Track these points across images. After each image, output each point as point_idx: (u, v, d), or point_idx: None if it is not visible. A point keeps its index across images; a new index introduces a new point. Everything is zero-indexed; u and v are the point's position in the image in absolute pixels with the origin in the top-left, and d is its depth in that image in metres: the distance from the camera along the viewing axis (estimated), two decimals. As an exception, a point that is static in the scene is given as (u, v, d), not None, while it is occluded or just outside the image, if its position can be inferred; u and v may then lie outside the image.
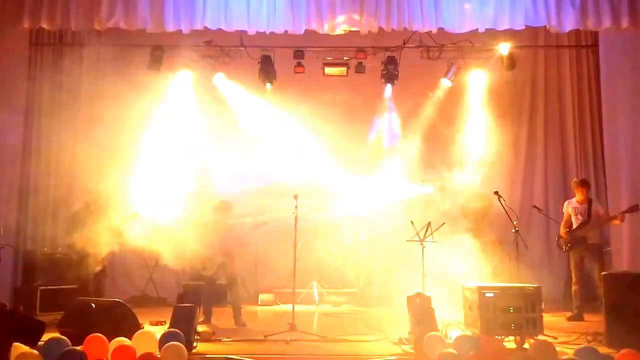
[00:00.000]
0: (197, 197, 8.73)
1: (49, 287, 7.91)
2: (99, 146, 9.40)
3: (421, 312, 5.86)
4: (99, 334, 5.31)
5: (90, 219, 7.64)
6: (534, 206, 8.75)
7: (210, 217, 7.72)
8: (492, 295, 6.07)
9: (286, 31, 7.77)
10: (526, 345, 5.67)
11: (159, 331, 5.97)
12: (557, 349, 5.28)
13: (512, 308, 5.91)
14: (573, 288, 7.72)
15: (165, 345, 5.12)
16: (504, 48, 9.13)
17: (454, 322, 6.58)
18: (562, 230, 7.88)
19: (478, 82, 9.73)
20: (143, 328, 6.08)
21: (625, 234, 8.28)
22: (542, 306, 6.05)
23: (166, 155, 9.34)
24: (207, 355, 5.51)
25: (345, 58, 9.44)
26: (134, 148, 9.11)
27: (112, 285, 7.97)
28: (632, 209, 7.19)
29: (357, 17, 7.61)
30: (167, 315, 6.28)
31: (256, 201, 9.28)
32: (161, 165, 9.17)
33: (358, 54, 9.34)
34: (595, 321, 6.94)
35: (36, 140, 9.58)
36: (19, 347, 4.94)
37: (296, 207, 6.91)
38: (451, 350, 5.13)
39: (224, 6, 7.63)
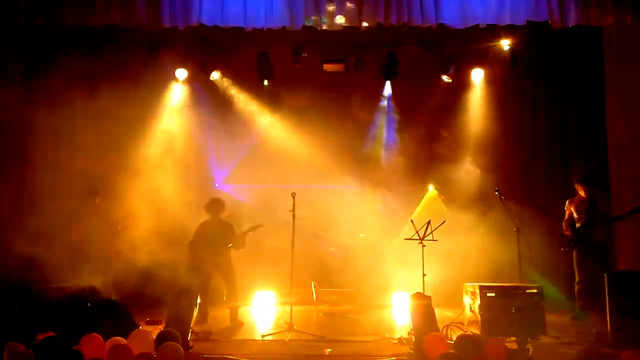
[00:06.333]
0: (193, 195, 8.63)
1: (45, 285, 7.82)
2: (96, 145, 9.35)
3: (421, 312, 5.78)
4: (95, 334, 5.30)
5: (87, 217, 7.62)
6: (536, 205, 8.65)
7: (205, 217, 7.64)
8: (493, 295, 6.01)
9: (284, 27, 7.70)
10: (528, 346, 5.58)
11: (155, 331, 5.91)
12: (560, 349, 5.22)
13: (514, 308, 5.85)
14: (576, 287, 7.63)
15: (162, 345, 5.07)
16: (506, 44, 9.04)
17: (454, 322, 6.51)
18: (565, 229, 7.78)
19: (478, 78, 9.65)
20: (139, 327, 6.05)
21: (629, 233, 8.20)
22: (545, 306, 5.99)
23: (162, 153, 9.25)
24: (203, 355, 5.45)
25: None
26: (130, 146, 9.04)
27: (107, 284, 7.88)
28: (638, 210, 7.06)
29: (355, 12, 7.55)
30: (163, 314, 6.23)
31: (254, 199, 9.21)
32: (157, 164, 9.08)
33: (357, 50, 9.24)
34: (598, 321, 6.85)
35: (33, 138, 9.48)
36: (13, 347, 4.89)
37: (294, 205, 6.85)
38: (452, 351, 5.05)
39: (221, 2, 7.57)
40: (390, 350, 5.72)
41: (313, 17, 7.65)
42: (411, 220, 7.38)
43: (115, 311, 6.09)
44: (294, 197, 6.88)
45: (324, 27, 7.69)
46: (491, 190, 8.10)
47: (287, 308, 6.82)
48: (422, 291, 6.68)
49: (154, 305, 7.73)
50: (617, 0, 7.31)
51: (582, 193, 7.69)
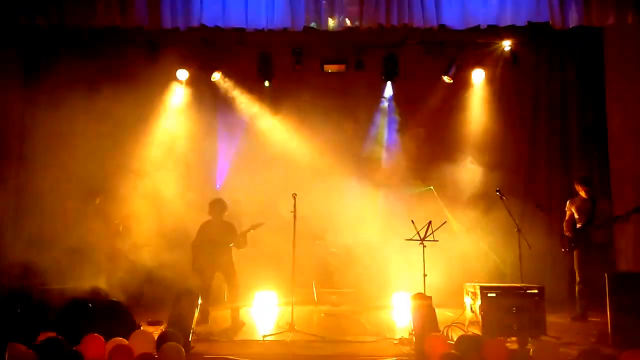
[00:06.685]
0: (194, 196, 8.64)
1: (48, 287, 7.83)
2: (96, 146, 9.36)
3: (422, 312, 5.78)
4: (96, 334, 5.30)
5: (88, 218, 7.63)
6: (537, 205, 8.65)
7: (207, 217, 7.65)
8: (494, 295, 6.00)
9: (285, 28, 7.70)
10: (529, 346, 5.59)
11: (156, 331, 5.91)
12: (561, 349, 5.22)
13: (515, 308, 5.84)
14: (577, 288, 7.62)
15: (163, 345, 5.07)
16: (507, 44, 9.04)
17: (455, 322, 6.51)
18: (566, 229, 7.78)
19: (479, 79, 9.65)
20: (140, 328, 6.04)
21: (630, 233, 8.19)
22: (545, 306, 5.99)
23: (163, 154, 9.26)
24: (204, 356, 5.46)
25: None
26: (131, 147, 9.04)
27: (109, 285, 7.89)
28: (638, 210, 7.06)
29: (356, 13, 7.55)
30: (164, 315, 6.23)
31: (255, 200, 9.20)
32: (158, 165, 9.09)
33: (357, 50, 9.24)
34: (599, 321, 6.86)
35: (33, 139, 9.49)
36: (14, 347, 4.90)
37: (295, 206, 6.85)
38: (453, 351, 5.05)
39: (222, 3, 7.57)
40: (391, 350, 5.71)
41: (314, 18, 7.65)
42: (412, 221, 7.37)
43: (116, 312, 6.08)
44: (294, 198, 6.88)
45: (325, 28, 7.68)
46: (492, 190, 8.11)
47: (288, 308, 6.82)
48: (423, 291, 6.68)
49: (155, 306, 7.74)
50: (618, 1, 7.30)
51: (582, 193, 7.68)
